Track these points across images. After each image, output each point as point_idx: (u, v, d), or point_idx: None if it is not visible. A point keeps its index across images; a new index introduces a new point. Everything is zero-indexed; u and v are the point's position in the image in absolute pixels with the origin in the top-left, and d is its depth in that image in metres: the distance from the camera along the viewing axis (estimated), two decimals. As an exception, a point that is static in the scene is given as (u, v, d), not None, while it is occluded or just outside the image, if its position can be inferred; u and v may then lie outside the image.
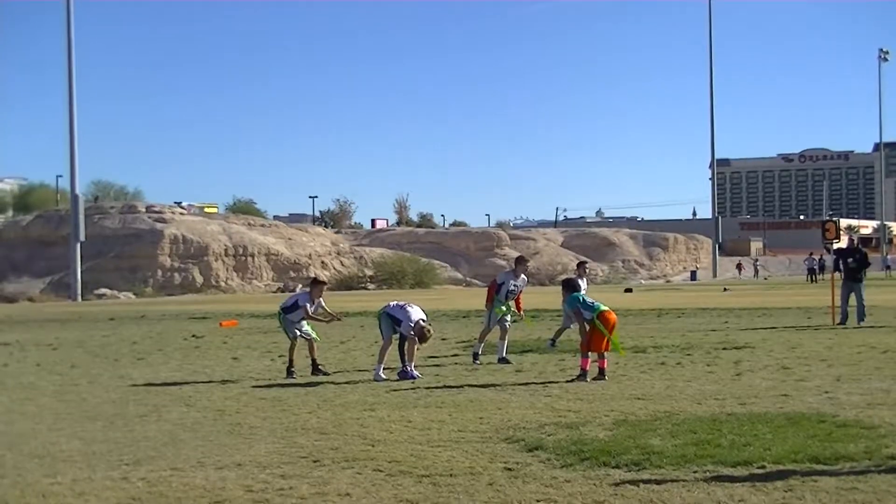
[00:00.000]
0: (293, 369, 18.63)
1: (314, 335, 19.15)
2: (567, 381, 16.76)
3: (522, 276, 20.72)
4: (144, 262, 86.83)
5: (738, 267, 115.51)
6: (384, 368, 17.90)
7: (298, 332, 18.88)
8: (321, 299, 19.24)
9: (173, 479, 9.76)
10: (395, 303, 18.69)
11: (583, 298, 17.60)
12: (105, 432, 12.70)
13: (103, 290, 78.32)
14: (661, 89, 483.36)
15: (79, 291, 74.38)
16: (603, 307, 17.34)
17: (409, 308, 18.17)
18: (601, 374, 16.91)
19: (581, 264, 27.05)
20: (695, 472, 9.50)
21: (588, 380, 16.66)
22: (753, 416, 12.61)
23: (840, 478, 9.16)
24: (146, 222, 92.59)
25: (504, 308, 20.36)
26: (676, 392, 15.21)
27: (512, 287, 20.41)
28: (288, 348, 19.01)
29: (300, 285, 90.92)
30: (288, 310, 19.00)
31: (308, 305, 18.82)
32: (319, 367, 19.00)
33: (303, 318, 18.89)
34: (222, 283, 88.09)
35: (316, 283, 19.61)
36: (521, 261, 21.23)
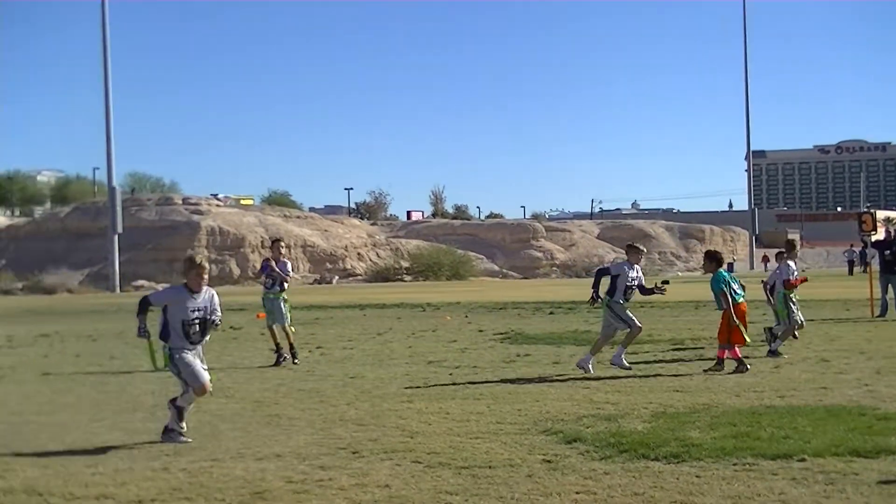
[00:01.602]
0: (285, 354, 19.42)
1: (289, 322, 19.80)
2: (705, 371, 16.69)
3: (637, 266, 17.68)
4: (181, 253, 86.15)
5: (764, 260, 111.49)
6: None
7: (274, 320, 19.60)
8: (285, 259, 20.07)
9: (213, 470, 9.81)
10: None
11: (730, 280, 17.09)
12: (145, 423, 12.77)
13: (141, 282, 78.75)
14: (697, 81, 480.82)
15: (117, 283, 74.84)
16: (740, 298, 17.02)
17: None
18: (740, 364, 16.55)
19: (790, 242, 21.68)
20: (734, 464, 9.47)
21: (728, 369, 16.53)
22: (793, 409, 12.55)
23: (881, 471, 9.11)
24: (183, 214, 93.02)
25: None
26: (715, 384, 15.17)
27: (630, 281, 17.29)
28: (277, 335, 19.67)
29: (336, 277, 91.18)
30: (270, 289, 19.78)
31: (273, 270, 19.69)
32: (285, 355, 19.49)
33: (275, 283, 19.65)
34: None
35: (273, 242, 20.83)
36: (634, 249, 18.01)
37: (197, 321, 11.44)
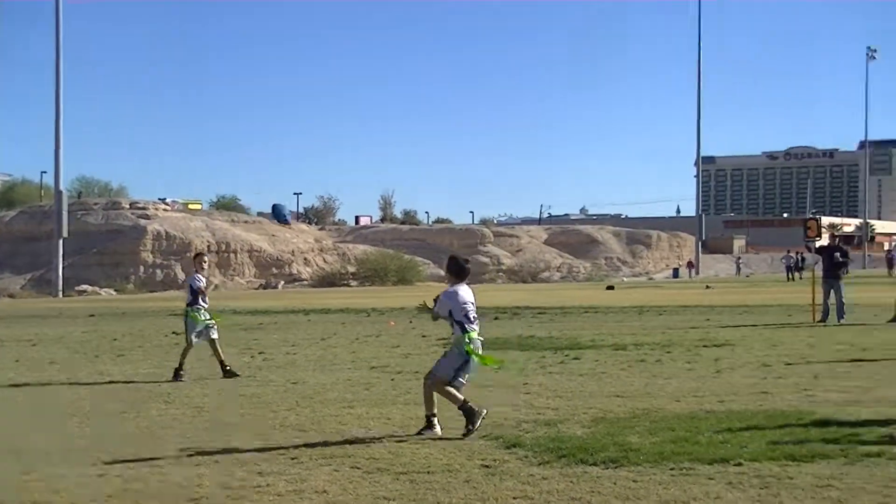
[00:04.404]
0: (182, 371, 18.17)
1: (215, 333, 18.50)
2: None
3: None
4: (127, 258, 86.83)
5: (689, 265, 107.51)
6: None
7: (197, 338, 18.37)
8: (206, 271, 18.72)
9: (150, 476, 9.73)
10: None
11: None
12: (82, 428, 12.68)
13: (84, 287, 78.17)
14: (648, 86, 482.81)
15: (60, 287, 74.21)
16: None
17: None
18: None
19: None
20: (671, 469, 9.50)
21: None
22: (732, 414, 12.63)
23: (816, 475, 9.16)
24: (129, 219, 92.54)
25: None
26: (656, 389, 15.23)
27: None
28: (182, 351, 18.57)
29: (282, 282, 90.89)
30: (193, 302, 18.48)
31: (201, 283, 18.41)
32: (227, 368, 18.29)
33: (201, 298, 18.35)
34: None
35: (197, 255, 19.30)
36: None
37: None
